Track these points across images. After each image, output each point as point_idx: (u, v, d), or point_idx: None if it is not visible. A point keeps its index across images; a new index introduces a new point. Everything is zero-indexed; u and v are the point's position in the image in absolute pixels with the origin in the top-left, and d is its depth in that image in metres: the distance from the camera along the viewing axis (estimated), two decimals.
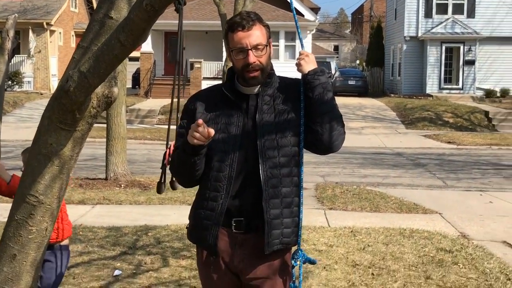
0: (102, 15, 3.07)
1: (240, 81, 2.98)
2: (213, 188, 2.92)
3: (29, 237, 3.24)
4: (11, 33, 3.63)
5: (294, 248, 3.01)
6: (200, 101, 3.01)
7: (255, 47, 2.89)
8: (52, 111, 3.11)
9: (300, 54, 3.03)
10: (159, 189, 3.32)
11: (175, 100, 3.40)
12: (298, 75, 3.08)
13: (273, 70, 3.00)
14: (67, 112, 3.07)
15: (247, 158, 2.92)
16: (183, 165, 2.93)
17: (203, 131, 2.73)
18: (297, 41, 32.28)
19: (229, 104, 2.96)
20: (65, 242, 4.59)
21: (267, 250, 2.88)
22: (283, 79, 3.05)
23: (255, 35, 2.90)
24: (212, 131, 2.75)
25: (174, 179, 3.17)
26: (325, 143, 2.94)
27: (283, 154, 2.92)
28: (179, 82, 3.43)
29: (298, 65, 3.00)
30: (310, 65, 2.99)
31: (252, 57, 2.88)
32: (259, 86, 2.96)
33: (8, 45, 3.67)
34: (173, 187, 3.24)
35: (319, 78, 2.95)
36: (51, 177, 3.20)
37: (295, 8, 32.88)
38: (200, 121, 2.73)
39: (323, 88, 2.93)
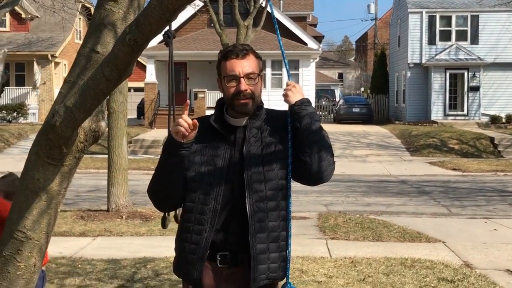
0: (88, 49, 3.07)
1: (229, 112, 2.98)
2: (197, 221, 2.88)
3: (17, 273, 3.21)
4: (1, 68, 3.63)
5: (281, 283, 2.96)
6: None
7: (247, 76, 2.91)
8: (39, 146, 3.10)
9: (287, 85, 3.03)
10: (164, 223, 3.26)
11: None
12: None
13: (262, 103, 2.99)
14: (54, 147, 3.05)
15: (233, 191, 2.89)
16: (162, 171, 2.92)
17: (187, 119, 2.78)
18: (301, 69, 32.42)
19: (216, 135, 2.94)
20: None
21: (253, 285, 2.84)
22: (270, 112, 3.04)
23: (248, 64, 2.93)
24: (196, 121, 2.79)
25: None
26: (315, 173, 2.92)
27: (270, 187, 2.89)
28: (172, 113, 3.41)
29: (285, 96, 2.99)
30: (297, 95, 2.98)
31: (244, 85, 2.89)
32: (247, 118, 2.95)
33: None
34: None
35: (306, 108, 2.93)
36: (38, 213, 3.17)
37: (298, 36, 32.84)
38: (186, 111, 2.81)
39: (310, 118, 2.92)
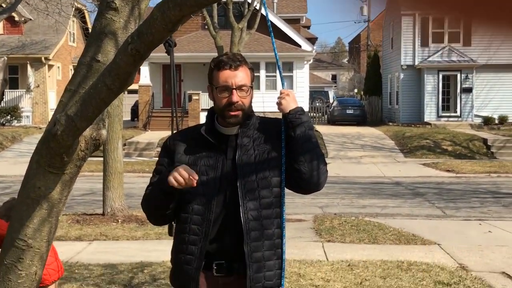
0: (89, 58, 3.08)
1: (219, 121, 2.98)
2: (192, 231, 2.90)
3: (19, 281, 3.22)
4: (1, 76, 3.63)
5: None
6: (180, 142, 3.00)
7: (240, 88, 2.91)
8: (40, 155, 3.11)
9: (281, 93, 3.02)
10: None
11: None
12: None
13: (252, 112, 3.00)
14: (55, 156, 3.06)
15: (227, 200, 2.90)
16: (155, 202, 2.95)
17: (189, 179, 2.74)
18: (295, 71, 32.46)
19: (208, 145, 2.95)
20: (51, 287, 4.51)
21: None
22: (262, 120, 3.05)
23: (241, 75, 2.93)
24: (195, 181, 2.76)
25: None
26: (310, 182, 2.93)
27: (264, 195, 2.90)
28: (177, 117, 3.39)
29: (279, 104, 2.99)
30: (291, 104, 2.97)
31: (236, 97, 2.90)
32: (238, 127, 2.96)
33: None
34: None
35: (301, 117, 2.94)
36: (39, 221, 3.18)
37: (291, 38, 32.88)
38: (196, 176, 2.76)
39: (305, 127, 2.93)
